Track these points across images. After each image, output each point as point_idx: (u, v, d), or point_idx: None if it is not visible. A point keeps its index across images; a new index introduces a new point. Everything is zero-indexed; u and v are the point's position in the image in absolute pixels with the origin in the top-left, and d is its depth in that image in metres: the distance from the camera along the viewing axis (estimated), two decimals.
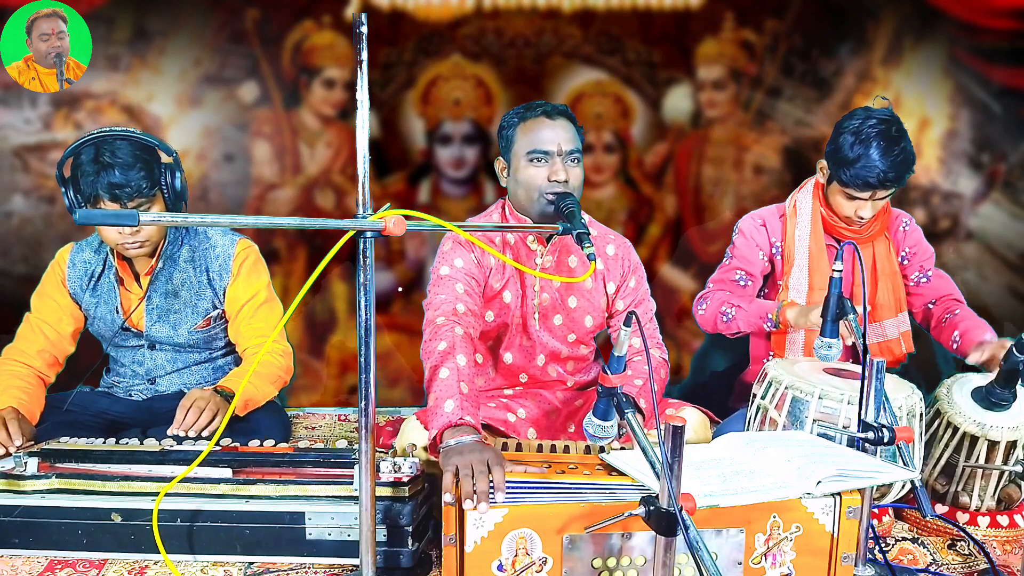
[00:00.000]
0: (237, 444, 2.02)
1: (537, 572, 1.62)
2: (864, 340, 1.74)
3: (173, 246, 2.31)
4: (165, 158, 2.20)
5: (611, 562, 1.63)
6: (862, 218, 2.31)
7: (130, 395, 2.39)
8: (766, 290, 2.51)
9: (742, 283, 2.43)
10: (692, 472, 1.63)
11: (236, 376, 2.27)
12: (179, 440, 2.03)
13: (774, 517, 1.65)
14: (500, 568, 1.61)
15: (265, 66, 3.17)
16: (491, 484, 1.61)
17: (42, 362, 2.31)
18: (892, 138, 2.20)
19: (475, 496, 1.57)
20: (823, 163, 2.37)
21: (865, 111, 2.27)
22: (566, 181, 2.07)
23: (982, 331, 2.31)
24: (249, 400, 2.22)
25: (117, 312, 2.30)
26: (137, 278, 2.31)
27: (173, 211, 2.24)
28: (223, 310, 2.37)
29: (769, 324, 2.23)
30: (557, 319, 2.24)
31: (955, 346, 2.36)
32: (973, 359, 2.24)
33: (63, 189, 2.16)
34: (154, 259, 2.29)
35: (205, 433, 2.05)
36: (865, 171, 2.20)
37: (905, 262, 2.48)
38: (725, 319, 2.33)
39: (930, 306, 2.46)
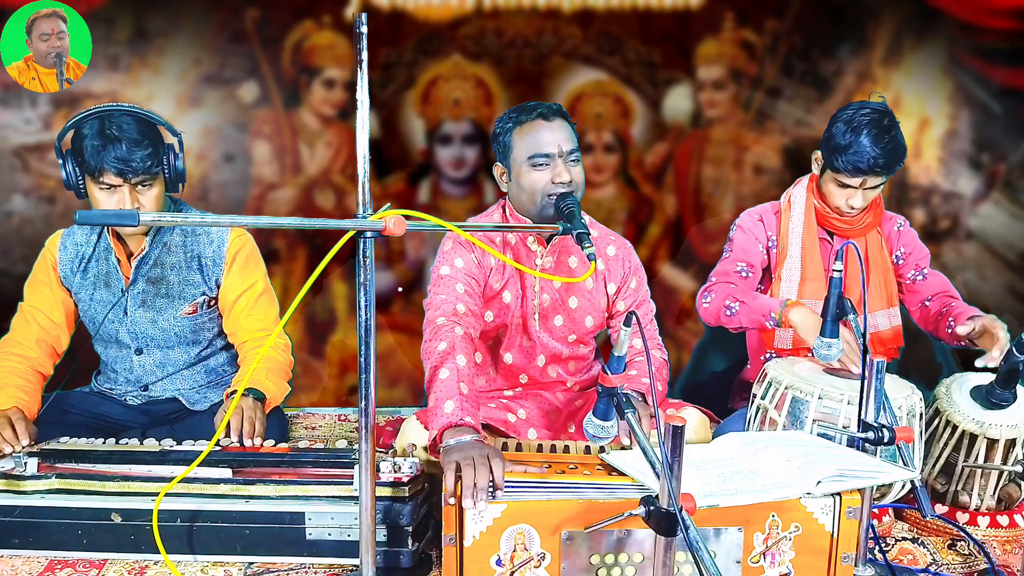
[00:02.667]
0: (237, 444, 2.03)
1: (535, 568, 1.63)
2: (864, 340, 1.74)
3: (165, 229, 2.27)
4: (168, 137, 2.19)
5: (609, 558, 1.63)
6: (853, 208, 2.33)
7: (125, 400, 2.37)
8: (761, 287, 2.52)
9: (744, 274, 2.43)
10: (692, 472, 1.63)
11: (258, 378, 2.21)
12: (178, 440, 2.03)
13: (773, 516, 1.65)
14: (499, 563, 1.62)
15: (265, 66, 3.17)
16: (491, 482, 1.62)
17: (40, 352, 2.27)
18: (884, 127, 2.25)
19: (475, 491, 1.58)
20: (817, 153, 2.41)
21: (860, 103, 2.32)
22: (570, 181, 2.07)
23: (974, 311, 2.33)
24: (272, 400, 2.22)
25: (123, 292, 2.26)
26: (129, 258, 2.27)
27: (172, 191, 2.24)
28: (212, 298, 2.32)
29: (771, 323, 2.23)
30: (558, 319, 2.24)
31: (949, 331, 2.35)
32: (964, 330, 2.23)
33: (61, 162, 2.12)
34: (146, 239, 2.25)
35: (257, 441, 2.05)
36: (856, 157, 2.24)
37: (900, 262, 2.49)
38: (728, 313, 2.33)
39: (926, 303, 2.47)
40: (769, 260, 2.49)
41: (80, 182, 2.13)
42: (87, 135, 2.08)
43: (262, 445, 2.03)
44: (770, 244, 2.48)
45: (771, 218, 2.48)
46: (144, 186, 2.13)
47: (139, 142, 2.08)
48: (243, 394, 2.12)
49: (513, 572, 1.63)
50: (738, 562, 1.66)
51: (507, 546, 1.62)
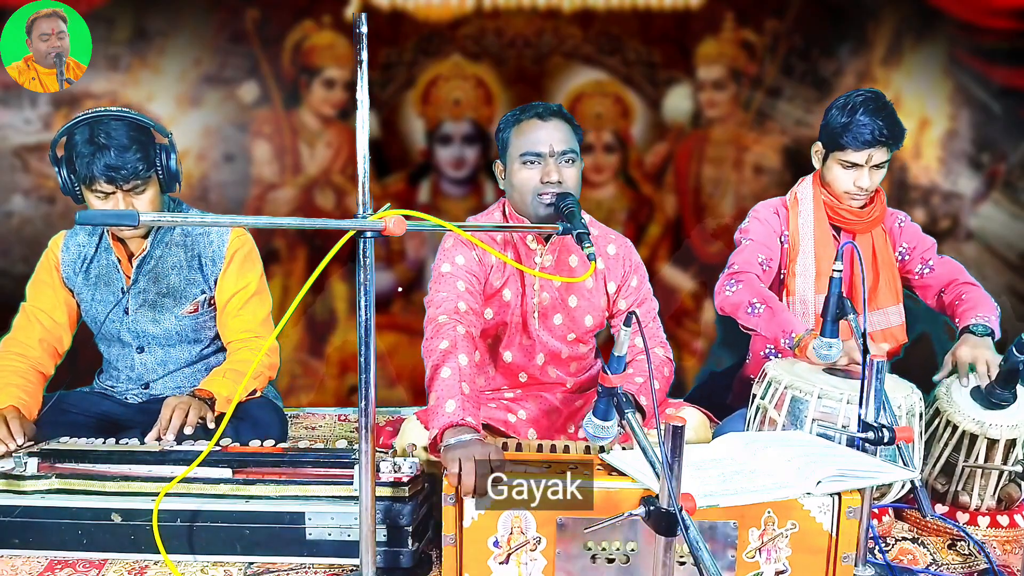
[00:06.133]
0: (237, 444, 2.03)
1: (531, 551, 1.66)
2: (864, 341, 1.74)
3: (166, 229, 2.27)
4: (159, 138, 2.19)
5: (603, 545, 1.65)
6: (862, 189, 2.33)
7: (126, 399, 2.37)
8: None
9: (765, 268, 2.41)
10: (692, 472, 1.63)
11: (216, 377, 2.21)
12: (179, 440, 2.03)
13: (768, 512, 1.65)
14: (496, 544, 1.66)
15: (265, 66, 3.17)
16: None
17: (41, 351, 2.27)
18: (879, 105, 2.29)
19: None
20: (817, 145, 2.43)
21: (851, 91, 2.37)
22: (560, 182, 2.07)
23: (973, 312, 2.31)
24: (228, 398, 2.17)
25: (124, 292, 2.26)
26: (130, 259, 2.27)
27: (168, 192, 2.24)
28: (212, 296, 2.32)
29: (788, 342, 2.18)
30: (557, 318, 2.24)
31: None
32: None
33: (56, 169, 2.14)
34: (146, 240, 2.26)
35: (187, 431, 2.03)
36: (858, 130, 2.27)
37: (906, 257, 2.50)
38: (750, 311, 2.28)
39: (942, 295, 2.47)
40: (781, 255, 2.48)
41: (76, 188, 2.14)
42: (77, 143, 2.09)
43: (182, 428, 2.03)
44: (783, 239, 2.47)
45: (784, 212, 2.48)
46: (137, 191, 2.13)
47: (128, 147, 2.08)
48: (191, 394, 2.13)
49: (510, 554, 1.66)
50: (732, 556, 1.66)
51: (504, 528, 1.65)
